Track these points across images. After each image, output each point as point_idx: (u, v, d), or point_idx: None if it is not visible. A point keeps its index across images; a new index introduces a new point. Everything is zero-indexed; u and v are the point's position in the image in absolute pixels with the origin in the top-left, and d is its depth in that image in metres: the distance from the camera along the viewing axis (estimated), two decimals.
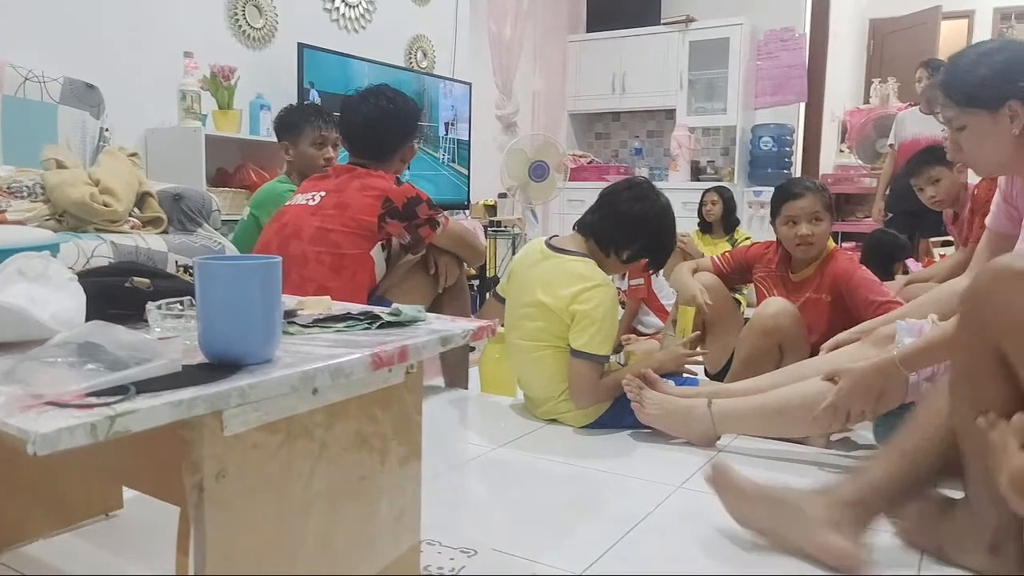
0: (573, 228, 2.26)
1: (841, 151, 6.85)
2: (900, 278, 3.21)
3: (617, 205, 2.17)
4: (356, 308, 1.21)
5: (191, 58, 3.14)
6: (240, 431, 0.82)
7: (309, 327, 1.09)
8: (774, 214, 2.48)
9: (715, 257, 2.71)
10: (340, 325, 1.11)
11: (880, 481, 1.32)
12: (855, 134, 6.57)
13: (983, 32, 7.49)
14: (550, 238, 2.25)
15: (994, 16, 7.44)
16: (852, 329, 1.99)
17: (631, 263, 2.22)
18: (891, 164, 4.70)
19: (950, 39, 7.32)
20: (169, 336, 0.96)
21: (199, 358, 0.87)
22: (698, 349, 2.34)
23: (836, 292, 2.35)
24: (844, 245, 5.31)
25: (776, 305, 2.29)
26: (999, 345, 1.16)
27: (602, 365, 2.09)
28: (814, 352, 2.11)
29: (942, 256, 3.69)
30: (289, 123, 2.83)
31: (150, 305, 1.00)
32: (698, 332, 2.43)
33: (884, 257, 3.47)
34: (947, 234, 3.60)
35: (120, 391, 0.74)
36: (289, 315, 1.13)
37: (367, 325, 1.12)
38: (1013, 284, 1.13)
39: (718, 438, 1.97)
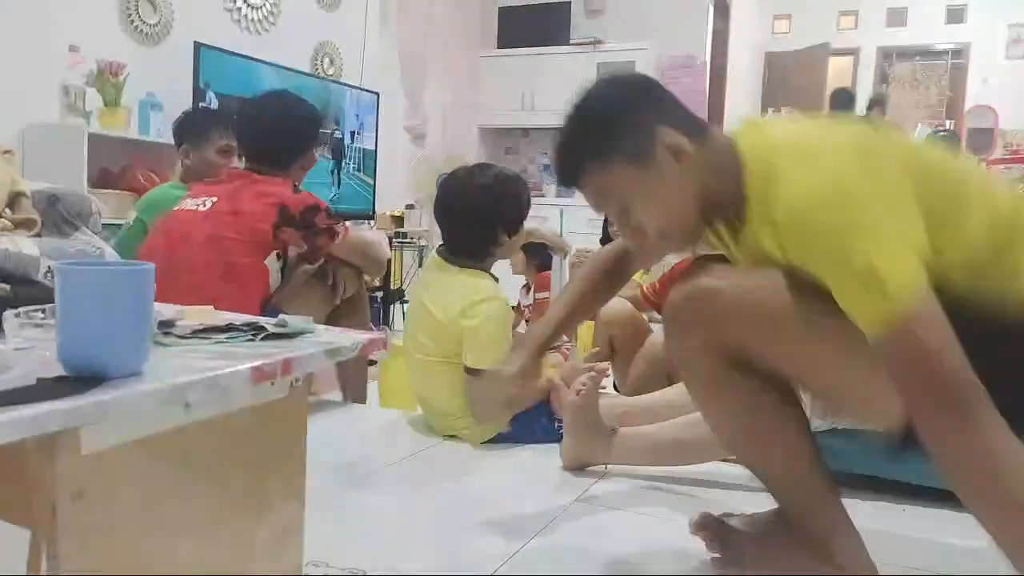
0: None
1: None
2: None
3: (455, 214, 2.13)
4: (240, 319, 1.16)
5: (76, 52, 2.98)
6: (99, 448, 0.76)
7: (187, 338, 1.03)
8: None
9: (644, 287, 2.69)
10: (221, 336, 1.05)
11: None
12: None
13: (868, 68, 7.99)
14: (439, 247, 2.21)
15: (877, 54, 7.97)
16: None
17: (513, 239, 2.17)
18: None
19: (837, 73, 7.81)
20: (26, 347, 0.88)
21: (58, 371, 0.80)
22: (597, 364, 2.35)
23: None
24: None
25: None
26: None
27: None
28: None
29: None
30: (194, 127, 2.67)
31: (7, 313, 0.92)
32: (598, 348, 2.45)
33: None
34: None
35: None
36: (167, 325, 1.07)
37: (251, 337, 1.06)
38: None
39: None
